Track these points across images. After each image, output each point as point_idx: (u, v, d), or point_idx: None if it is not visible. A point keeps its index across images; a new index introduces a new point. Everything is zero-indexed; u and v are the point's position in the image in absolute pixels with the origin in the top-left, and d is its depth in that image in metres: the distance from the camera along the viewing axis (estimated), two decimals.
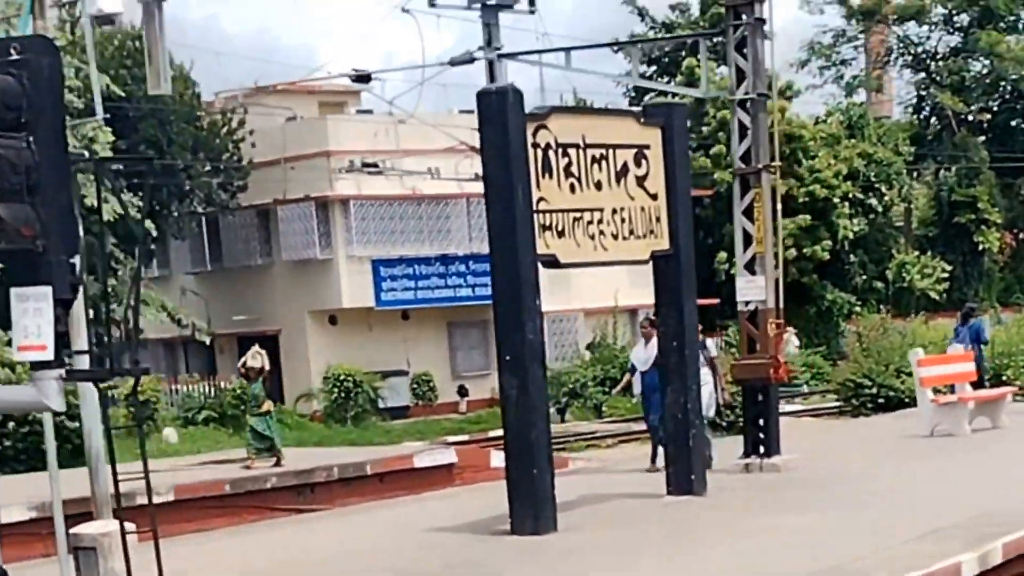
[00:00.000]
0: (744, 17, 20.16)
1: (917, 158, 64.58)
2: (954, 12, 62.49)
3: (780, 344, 19.99)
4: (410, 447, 29.43)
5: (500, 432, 17.12)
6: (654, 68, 61.64)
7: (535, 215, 14.22)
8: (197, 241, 48.46)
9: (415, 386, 45.51)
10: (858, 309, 59.88)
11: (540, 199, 14.66)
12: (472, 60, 26.62)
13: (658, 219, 15.77)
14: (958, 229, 62.82)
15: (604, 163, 15.47)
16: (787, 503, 16.64)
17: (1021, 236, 71.51)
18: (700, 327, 17.62)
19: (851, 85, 62.96)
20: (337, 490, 24.22)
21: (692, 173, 55.71)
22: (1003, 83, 63.50)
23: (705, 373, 18.63)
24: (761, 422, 19.79)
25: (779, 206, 20.15)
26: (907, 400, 36.39)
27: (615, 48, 61.23)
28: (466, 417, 45.61)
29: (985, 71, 63.02)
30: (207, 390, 40.10)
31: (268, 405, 24.09)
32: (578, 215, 15.31)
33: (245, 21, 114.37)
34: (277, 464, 23.70)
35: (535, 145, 14.43)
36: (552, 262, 14.39)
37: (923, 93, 65.21)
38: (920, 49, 64.69)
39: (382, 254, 46.84)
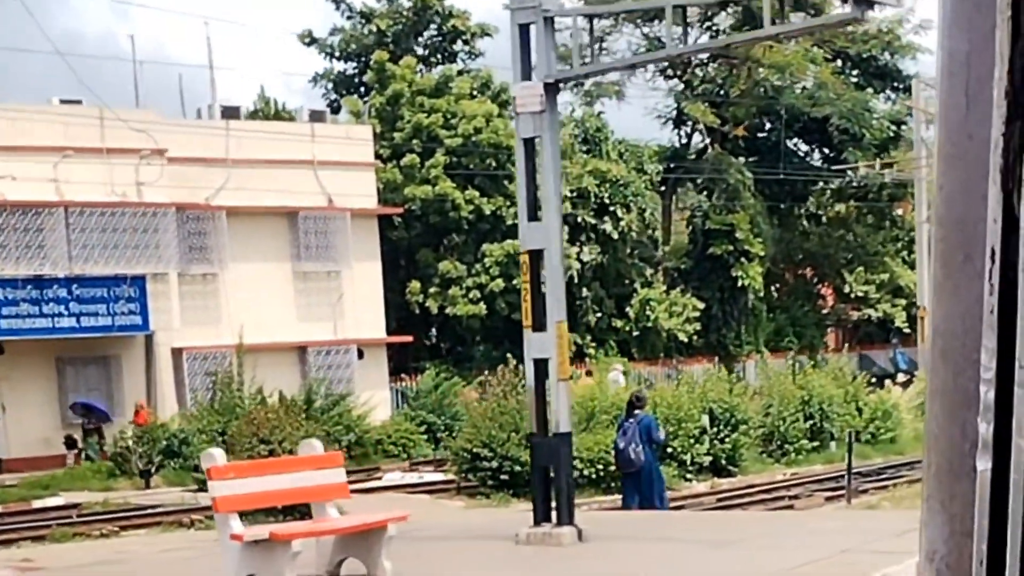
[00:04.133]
0: None
1: (674, 181, 56.48)
2: (711, 12, 54.07)
3: None
4: None
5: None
6: (352, 64, 52.78)
7: None
8: None
9: None
10: (592, 352, 51.56)
11: None
12: None
13: None
14: (714, 262, 54.45)
15: None
16: None
17: (799, 272, 63.66)
18: None
19: (591, 93, 54.38)
20: None
21: (380, 187, 47.92)
22: (772, 96, 55.27)
23: None
24: None
25: None
26: None
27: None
28: (69, 471, 36.74)
29: (746, 80, 54.72)
30: None
31: None
32: None
33: None
34: None
35: None
36: None
37: (683, 106, 56.66)
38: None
39: None
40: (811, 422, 33.38)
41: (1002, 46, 1.85)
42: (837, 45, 56.00)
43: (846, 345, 54.90)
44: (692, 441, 30.24)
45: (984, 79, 1.92)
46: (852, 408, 34.55)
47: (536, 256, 15.00)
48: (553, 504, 15.31)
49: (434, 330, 52.60)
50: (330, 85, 53.35)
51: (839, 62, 57.40)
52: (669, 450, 29.33)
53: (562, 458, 15.04)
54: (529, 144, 15.07)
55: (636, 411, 22.86)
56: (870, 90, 58.55)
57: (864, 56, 57.61)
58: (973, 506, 1.95)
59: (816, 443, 33.33)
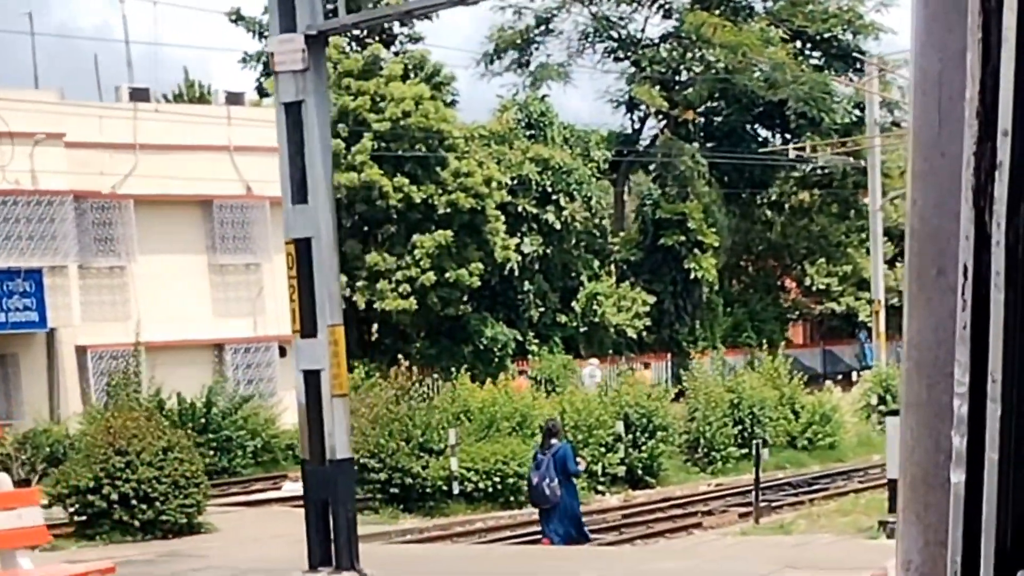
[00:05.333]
0: None
1: (626, 168, 53.72)
2: None
3: None
4: None
5: None
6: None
7: None
8: None
9: None
10: (535, 348, 48.92)
11: None
12: None
13: None
14: (666, 253, 51.70)
15: None
16: None
17: (760, 264, 60.99)
18: None
19: (536, 75, 51.61)
20: None
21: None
22: (726, 78, 52.38)
23: None
24: None
25: None
26: (429, 491, 26.08)
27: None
28: None
29: (699, 62, 51.91)
30: None
31: None
32: None
33: None
34: None
35: None
36: None
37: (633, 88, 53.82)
38: (625, 33, 53.28)
39: None
40: (740, 427, 30.74)
41: (973, 68, 1.84)
42: (795, 24, 53.29)
43: (786, 341, 52.20)
44: (604, 450, 27.63)
45: (956, 98, 1.90)
46: (788, 411, 31.91)
47: (304, 246, 12.34)
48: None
49: (375, 326, 49.94)
50: (260, 67, 50.63)
51: (798, 43, 54.62)
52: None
53: (340, 490, 12.41)
54: (292, 110, 12.44)
55: (552, 441, 20.45)
56: (832, 72, 55.76)
57: (824, 36, 54.87)
58: (947, 517, 1.92)
59: (746, 450, 30.67)
